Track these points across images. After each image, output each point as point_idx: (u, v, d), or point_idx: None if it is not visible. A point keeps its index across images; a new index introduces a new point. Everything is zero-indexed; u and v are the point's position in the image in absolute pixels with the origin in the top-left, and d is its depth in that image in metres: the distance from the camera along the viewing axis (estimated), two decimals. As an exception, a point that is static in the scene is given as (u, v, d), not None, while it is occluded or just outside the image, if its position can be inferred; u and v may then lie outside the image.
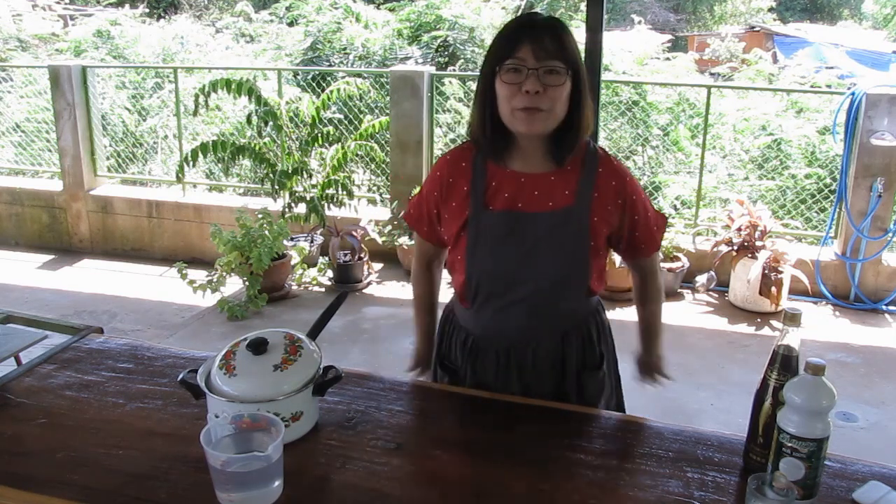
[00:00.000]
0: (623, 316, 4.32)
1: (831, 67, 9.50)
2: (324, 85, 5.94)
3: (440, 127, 5.90)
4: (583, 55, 2.48)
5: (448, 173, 1.56)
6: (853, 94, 4.41)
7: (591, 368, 1.60)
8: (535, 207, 1.48)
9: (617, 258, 4.36)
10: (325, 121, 5.41)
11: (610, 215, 1.51)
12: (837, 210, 4.59)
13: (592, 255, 1.51)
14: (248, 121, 5.23)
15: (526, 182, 1.49)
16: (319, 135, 5.03)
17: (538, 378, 1.56)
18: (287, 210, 4.93)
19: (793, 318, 1.19)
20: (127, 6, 9.26)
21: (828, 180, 5.46)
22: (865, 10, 21.53)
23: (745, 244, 4.44)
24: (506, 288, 1.52)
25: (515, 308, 1.52)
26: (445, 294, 1.71)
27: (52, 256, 5.60)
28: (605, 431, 1.39)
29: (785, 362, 1.20)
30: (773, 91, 6.73)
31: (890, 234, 4.43)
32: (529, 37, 1.40)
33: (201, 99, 4.73)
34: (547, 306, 1.53)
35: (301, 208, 4.95)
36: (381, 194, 5.71)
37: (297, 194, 4.95)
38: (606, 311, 1.74)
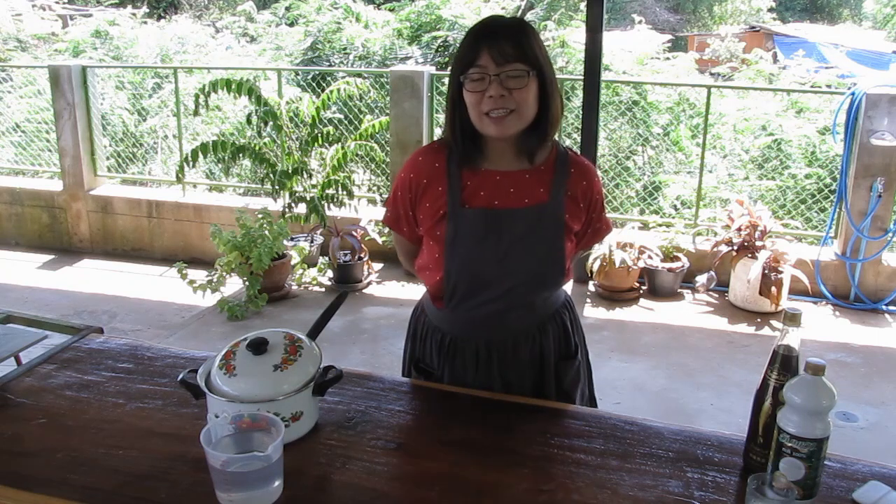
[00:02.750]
0: (623, 316, 4.32)
1: (831, 67, 9.51)
2: (324, 85, 5.94)
3: (440, 127, 5.90)
4: (583, 55, 2.48)
5: (421, 175, 1.56)
6: (853, 94, 4.41)
7: (568, 358, 1.64)
8: (512, 204, 1.51)
9: (617, 258, 4.39)
10: (325, 121, 5.42)
11: (580, 213, 1.57)
12: (837, 210, 4.59)
13: (566, 249, 1.55)
14: (248, 121, 5.23)
15: (501, 180, 1.52)
16: (319, 135, 5.03)
17: (518, 372, 1.58)
18: (287, 210, 4.93)
19: (793, 318, 1.19)
20: (129, 7, 9.25)
21: (828, 180, 5.47)
22: (865, 10, 21.53)
23: (745, 244, 4.44)
24: (485, 284, 1.53)
25: (494, 304, 1.54)
26: (414, 292, 1.72)
27: (52, 256, 5.60)
28: (605, 431, 1.39)
29: (785, 362, 1.20)
30: (774, 91, 6.74)
31: (890, 234, 4.42)
32: (488, 43, 1.42)
33: (201, 99, 4.73)
34: (525, 301, 1.56)
35: (301, 208, 4.95)
36: (381, 194, 5.72)
37: (297, 194, 4.95)
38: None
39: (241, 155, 4.95)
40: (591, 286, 4.66)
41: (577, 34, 6.79)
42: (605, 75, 4.73)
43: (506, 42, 1.41)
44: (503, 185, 1.51)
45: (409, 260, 1.72)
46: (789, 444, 1.14)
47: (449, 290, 1.56)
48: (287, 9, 8.69)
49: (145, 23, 9.13)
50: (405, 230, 1.64)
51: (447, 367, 1.61)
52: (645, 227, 5.01)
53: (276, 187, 4.93)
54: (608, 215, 1.73)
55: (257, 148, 4.97)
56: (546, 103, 1.48)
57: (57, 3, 10.96)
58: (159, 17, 11.51)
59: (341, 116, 5.92)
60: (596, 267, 4.46)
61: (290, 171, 4.91)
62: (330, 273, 4.88)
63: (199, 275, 4.46)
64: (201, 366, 1.37)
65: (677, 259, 4.65)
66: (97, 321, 4.04)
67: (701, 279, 4.55)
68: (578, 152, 1.63)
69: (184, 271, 4.39)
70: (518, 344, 1.58)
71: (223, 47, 8.40)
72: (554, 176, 1.53)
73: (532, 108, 1.46)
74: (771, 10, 19.35)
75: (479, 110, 1.44)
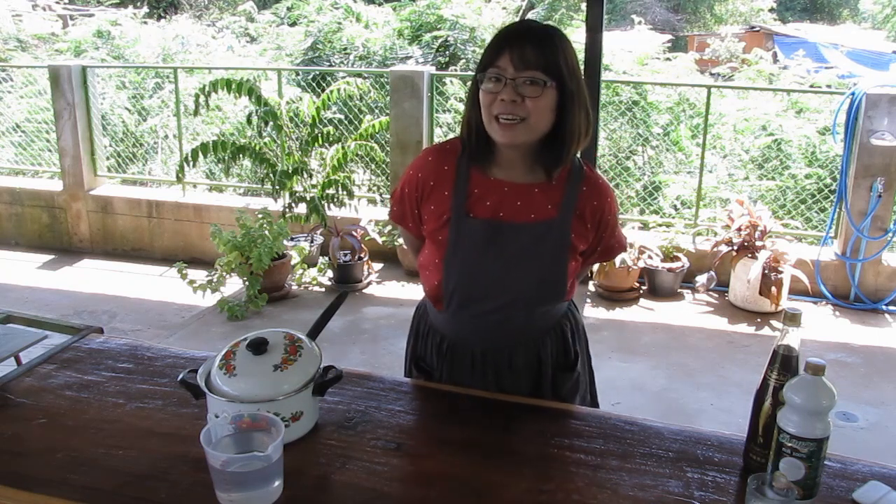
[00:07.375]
0: (623, 316, 4.32)
1: (831, 67, 9.51)
2: (324, 85, 5.94)
3: (440, 127, 5.90)
4: (582, 55, 2.47)
5: (429, 175, 1.54)
6: (853, 94, 4.41)
7: (566, 369, 1.61)
8: (517, 218, 1.48)
9: (617, 259, 4.39)
10: (326, 121, 5.42)
11: (588, 233, 1.52)
12: (837, 210, 4.59)
13: (569, 268, 1.52)
14: (249, 121, 5.23)
15: (509, 192, 1.48)
16: (319, 135, 5.03)
17: (514, 380, 1.57)
18: (287, 210, 4.93)
19: (793, 318, 1.19)
20: (130, 7, 9.25)
21: (828, 180, 5.47)
22: (865, 10, 21.54)
23: (745, 244, 4.44)
24: (483, 296, 1.52)
25: (492, 316, 1.53)
26: (414, 292, 1.71)
27: (52, 256, 5.60)
28: (605, 431, 1.39)
29: (785, 362, 1.19)
30: (774, 91, 6.74)
31: (890, 234, 4.43)
32: (511, 46, 1.38)
33: (202, 99, 4.73)
34: (523, 315, 1.54)
35: (301, 208, 4.95)
36: (381, 194, 5.72)
37: (297, 194, 4.95)
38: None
39: (241, 155, 4.95)
40: (591, 286, 4.66)
41: (577, 34, 6.79)
42: (605, 75, 4.73)
43: (529, 47, 1.37)
44: (510, 197, 1.48)
45: (416, 252, 1.71)
46: (789, 444, 1.14)
47: (447, 295, 1.54)
48: (288, 9, 8.70)
49: (145, 23, 9.13)
50: (411, 226, 1.63)
51: (445, 370, 1.61)
52: (645, 227, 5.01)
53: (277, 187, 4.93)
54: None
55: (257, 148, 4.97)
56: (564, 117, 1.42)
57: (57, 3, 10.96)
58: (159, 17, 11.51)
59: (341, 116, 5.92)
60: (596, 267, 4.46)
61: (290, 171, 4.91)
62: (330, 273, 4.88)
63: (199, 275, 4.46)
64: (201, 366, 1.37)
65: (677, 259, 4.65)
66: (97, 321, 4.04)
67: (701, 279, 4.55)
68: (593, 169, 1.57)
69: (184, 271, 4.39)
70: (514, 352, 1.56)
71: (224, 47, 8.41)
72: (564, 192, 1.48)
73: (545, 119, 1.41)
74: (771, 10, 19.35)
75: (489, 112, 1.40)
